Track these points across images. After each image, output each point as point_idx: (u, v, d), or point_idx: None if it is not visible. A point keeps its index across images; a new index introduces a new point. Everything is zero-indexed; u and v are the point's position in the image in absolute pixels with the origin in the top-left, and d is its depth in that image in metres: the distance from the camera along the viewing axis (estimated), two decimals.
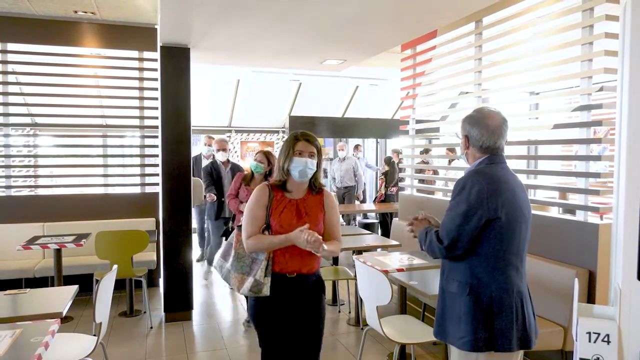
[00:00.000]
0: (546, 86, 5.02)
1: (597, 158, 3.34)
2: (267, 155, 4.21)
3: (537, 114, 6.06)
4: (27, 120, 5.47)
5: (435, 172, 6.16)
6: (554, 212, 4.50)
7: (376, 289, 2.93)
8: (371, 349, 3.78)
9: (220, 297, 5.24)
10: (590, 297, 3.02)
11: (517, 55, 3.67)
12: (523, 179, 5.18)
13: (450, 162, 6.20)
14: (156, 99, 4.88)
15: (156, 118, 5.07)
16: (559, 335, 3.01)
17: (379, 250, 4.67)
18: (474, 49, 4.10)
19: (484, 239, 1.87)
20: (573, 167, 5.16)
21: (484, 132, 1.96)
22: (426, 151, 6.32)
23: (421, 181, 5.62)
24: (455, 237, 1.89)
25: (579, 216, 3.19)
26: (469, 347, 1.87)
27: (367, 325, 4.26)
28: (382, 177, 7.94)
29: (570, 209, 3.98)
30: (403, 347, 3.54)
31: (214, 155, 6.18)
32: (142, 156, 5.37)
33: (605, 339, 1.63)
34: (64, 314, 2.43)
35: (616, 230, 1.81)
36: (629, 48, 1.59)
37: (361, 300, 4.01)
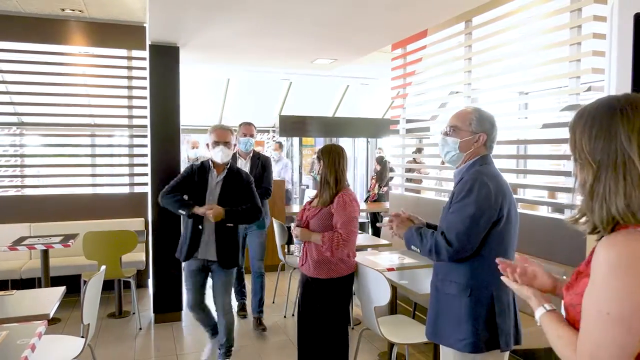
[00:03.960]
0: (535, 86, 5.05)
1: None
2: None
3: (526, 113, 6.09)
4: (14, 119, 5.39)
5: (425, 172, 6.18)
6: (543, 211, 4.54)
7: (374, 290, 2.91)
8: (361, 348, 3.78)
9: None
10: None
11: (506, 55, 3.70)
12: (512, 178, 5.19)
13: (443, 162, 6.22)
14: (145, 98, 4.84)
15: (145, 117, 5.02)
16: None
17: (369, 249, 4.67)
18: (464, 49, 4.12)
19: (488, 239, 1.86)
20: (562, 166, 5.21)
21: (496, 132, 2.00)
22: (419, 150, 6.33)
23: (411, 180, 5.63)
24: (465, 240, 1.84)
25: (568, 215, 3.21)
26: (472, 349, 1.84)
27: (357, 324, 4.29)
28: (375, 176, 7.85)
29: (559, 208, 4.02)
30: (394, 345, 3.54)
31: (254, 151, 4.43)
32: (131, 156, 5.32)
33: None
34: (51, 316, 2.39)
35: None
36: (616, 48, 1.60)
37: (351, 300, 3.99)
